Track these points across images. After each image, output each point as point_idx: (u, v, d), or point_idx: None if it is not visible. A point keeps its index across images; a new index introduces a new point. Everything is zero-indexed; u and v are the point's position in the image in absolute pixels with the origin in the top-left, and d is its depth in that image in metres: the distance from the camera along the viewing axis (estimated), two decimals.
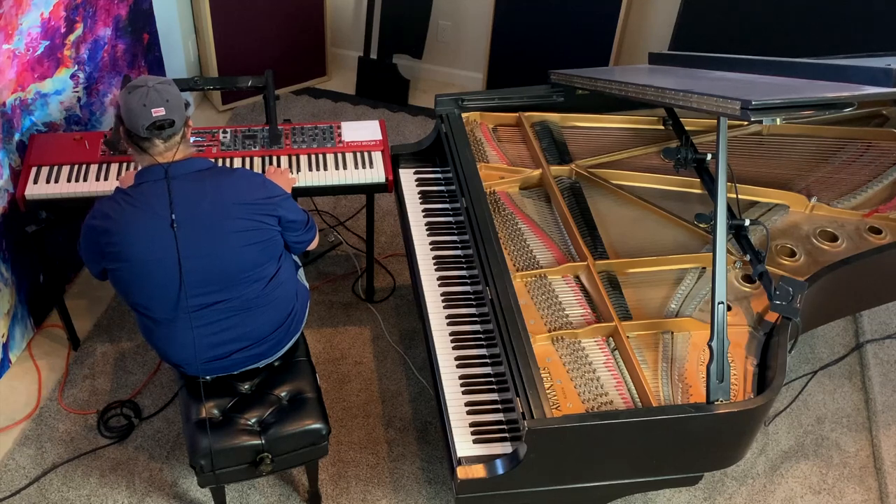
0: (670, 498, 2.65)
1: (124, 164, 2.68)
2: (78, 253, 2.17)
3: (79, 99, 3.08)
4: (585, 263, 2.29)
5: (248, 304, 2.16)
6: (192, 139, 2.73)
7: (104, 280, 2.19)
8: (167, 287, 2.07)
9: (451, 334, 2.28)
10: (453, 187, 2.60)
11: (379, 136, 2.86)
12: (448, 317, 2.33)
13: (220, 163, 2.73)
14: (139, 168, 2.12)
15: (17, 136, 2.76)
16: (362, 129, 2.88)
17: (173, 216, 2.02)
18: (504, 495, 1.98)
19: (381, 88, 4.30)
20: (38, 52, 2.79)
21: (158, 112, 2.00)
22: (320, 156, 2.79)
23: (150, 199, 2.04)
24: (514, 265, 2.32)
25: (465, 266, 2.47)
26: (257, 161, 2.75)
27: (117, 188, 2.12)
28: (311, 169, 2.75)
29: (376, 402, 2.86)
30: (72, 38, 2.95)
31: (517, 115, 2.82)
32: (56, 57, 2.89)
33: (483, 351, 2.24)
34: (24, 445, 2.68)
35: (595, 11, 3.78)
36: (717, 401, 1.89)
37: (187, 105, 2.11)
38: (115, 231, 2.04)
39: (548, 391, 1.97)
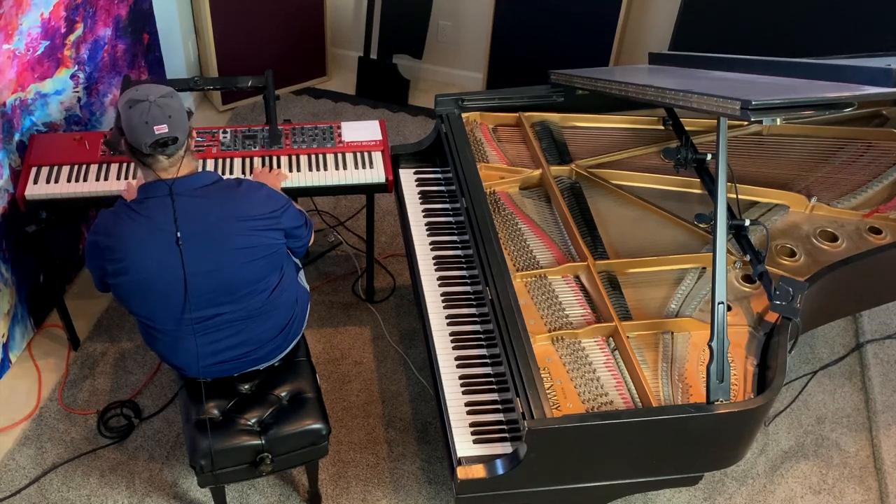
0: (670, 498, 2.65)
1: (124, 164, 2.68)
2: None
3: (79, 99, 3.08)
4: (585, 263, 2.29)
5: (251, 314, 2.16)
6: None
7: (107, 291, 2.18)
8: (171, 301, 2.06)
9: (451, 334, 2.28)
10: (453, 187, 2.60)
11: (379, 136, 2.86)
12: (448, 317, 2.33)
13: (219, 163, 2.73)
14: (143, 181, 2.09)
15: (17, 136, 2.76)
16: (362, 129, 2.88)
17: (178, 233, 2.00)
18: (504, 495, 1.98)
19: (381, 88, 4.30)
20: (38, 52, 2.79)
21: (161, 129, 1.95)
22: (320, 156, 2.79)
23: (155, 215, 2.02)
24: (514, 265, 2.32)
25: (465, 266, 2.47)
26: (257, 161, 2.75)
27: (121, 201, 2.09)
28: (311, 169, 2.74)
29: (376, 402, 2.86)
30: (72, 38, 2.95)
31: (517, 115, 2.82)
32: (56, 57, 2.89)
33: (483, 351, 2.24)
34: (24, 445, 2.68)
35: (595, 11, 3.78)
36: (717, 401, 1.89)
37: (190, 114, 2.07)
38: (118, 248, 2.02)
39: (548, 391, 1.97)
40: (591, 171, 2.60)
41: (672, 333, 2.17)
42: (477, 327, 2.30)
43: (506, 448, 2.01)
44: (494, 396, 2.13)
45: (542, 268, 2.31)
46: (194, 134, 2.12)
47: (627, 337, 2.10)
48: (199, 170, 2.13)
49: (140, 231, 2.01)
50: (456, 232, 2.58)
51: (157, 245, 2.01)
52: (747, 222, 2.26)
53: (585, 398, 2.00)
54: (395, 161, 2.82)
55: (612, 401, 2.00)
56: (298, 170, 2.74)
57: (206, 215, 2.04)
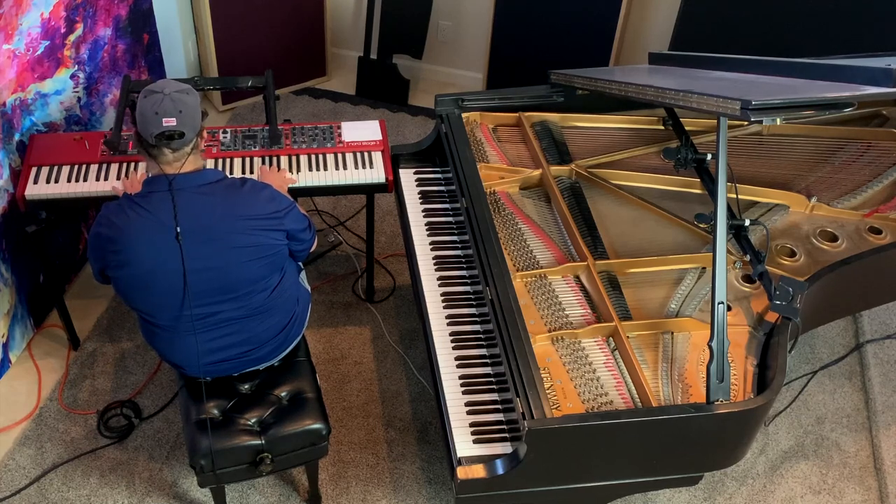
0: (670, 498, 2.65)
1: (124, 164, 2.68)
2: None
3: (79, 99, 3.08)
4: (585, 263, 2.29)
5: (251, 313, 2.16)
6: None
7: (106, 283, 2.19)
8: (170, 296, 2.07)
9: (451, 334, 2.28)
10: (453, 187, 2.60)
11: (379, 136, 2.86)
12: (448, 317, 2.33)
13: (220, 163, 2.73)
14: (148, 173, 2.11)
15: (17, 136, 2.76)
16: (362, 129, 2.88)
17: (178, 228, 2.01)
18: (504, 495, 1.98)
19: (381, 88, 4.30)
20: (38, 52, 2.79)
21: (169, 122, 1.97)
22: (320, 156, 2.79)
23: (156, 209, 2.02)
24: (514, 265, 2.32)
25: (465, 266, 2.47)
26: (257, 161, 2.75)
27: (125, 194, 2.10)
28: (311, 169, 2.75)
29: (376, 402, 2.86)
30: (72, 38, 2.95)
31: (517, 115, 2.82)
32: (56, 57, 2.89)
33: (483, 351, 2.24)
34: (24, 445, 2.68)
35: (595, 11, 3.78)
36: (717, 401, 1.89)
37: (204, 115, 2.08)
38: (119, 239, 2.02)
39: (548, 391, 1.98)
40: (591, 171, 2.60)
41: (672, 333, 2.17)
42: (477, 327, 2.30)
43: (506, 448, 2.01)
44: (494, 396, 2.13)
45: (542, 268, 2.31)
46: (205, 135, 2.13)
47: (627, 337, 2.10)
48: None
49: (141, 225, 2.02)
50: (456, 232, 2.58)
51: (158, 239, 2.01)
52: (747, 222, 2.26)
53: (585, 398, 2.00)
54: (395, 161, 2.82)
55: (612, 401, 2.00)
56: (298, 170, 2.74)
57: (208, 212, 2.04)
